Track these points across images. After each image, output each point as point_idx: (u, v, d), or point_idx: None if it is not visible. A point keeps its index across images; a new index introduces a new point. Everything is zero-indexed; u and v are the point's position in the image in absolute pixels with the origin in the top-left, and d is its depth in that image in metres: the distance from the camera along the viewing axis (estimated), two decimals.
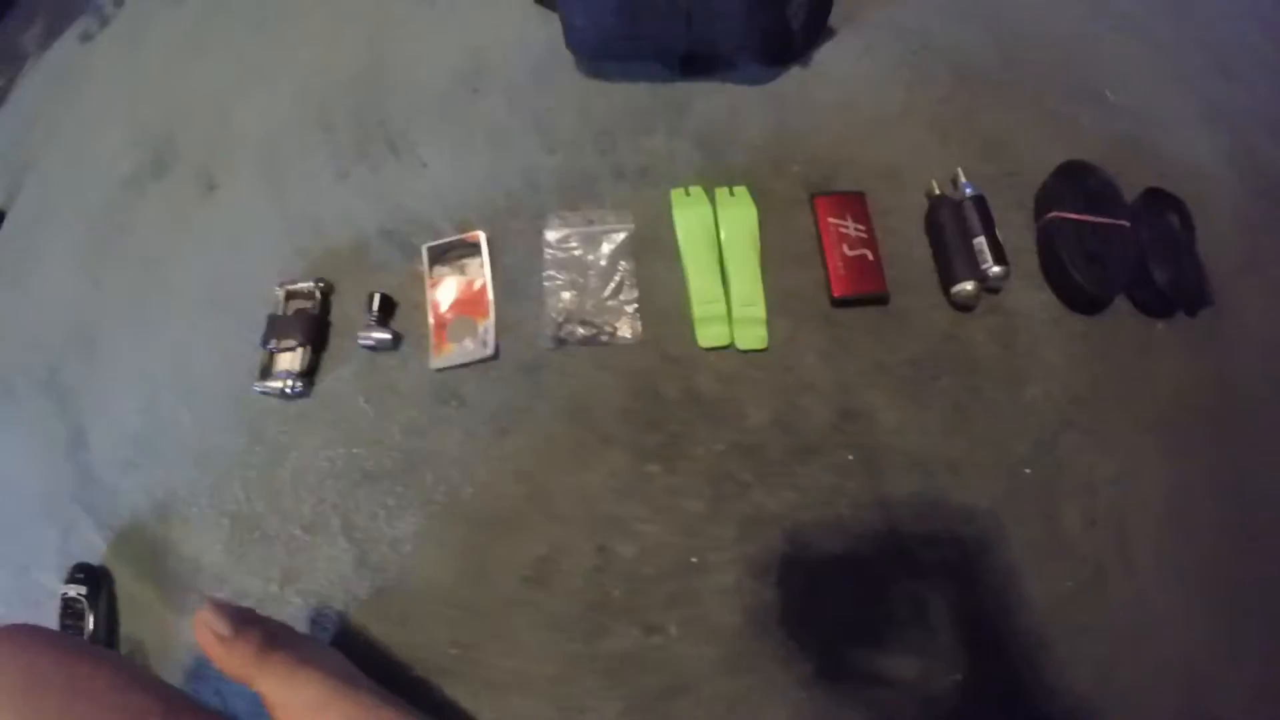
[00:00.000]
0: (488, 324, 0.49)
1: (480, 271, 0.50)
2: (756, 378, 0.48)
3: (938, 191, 0.51)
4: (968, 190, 0.50)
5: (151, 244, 0.59)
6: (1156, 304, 0.50)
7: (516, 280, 0.51)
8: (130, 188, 0.63)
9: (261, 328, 0.50)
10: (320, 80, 0.62)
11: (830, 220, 0.50)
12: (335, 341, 0.51)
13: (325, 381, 0.50)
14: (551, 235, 0.50)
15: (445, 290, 0.50)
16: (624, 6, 0.52)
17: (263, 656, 0.35)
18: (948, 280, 0.49)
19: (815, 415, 0.47)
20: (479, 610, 0.44)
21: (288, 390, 0.48)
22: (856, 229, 0.49)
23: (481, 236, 0.51)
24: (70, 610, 0.46)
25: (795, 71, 0.58)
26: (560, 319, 0.48)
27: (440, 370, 0.48)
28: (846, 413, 0.47)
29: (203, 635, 0.35)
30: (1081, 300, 0.49)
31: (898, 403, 0.47)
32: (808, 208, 0.52)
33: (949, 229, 0.49)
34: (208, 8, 0.72)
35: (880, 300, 0.49)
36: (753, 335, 0.47)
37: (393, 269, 0.52)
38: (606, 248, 0.50)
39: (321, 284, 0.51)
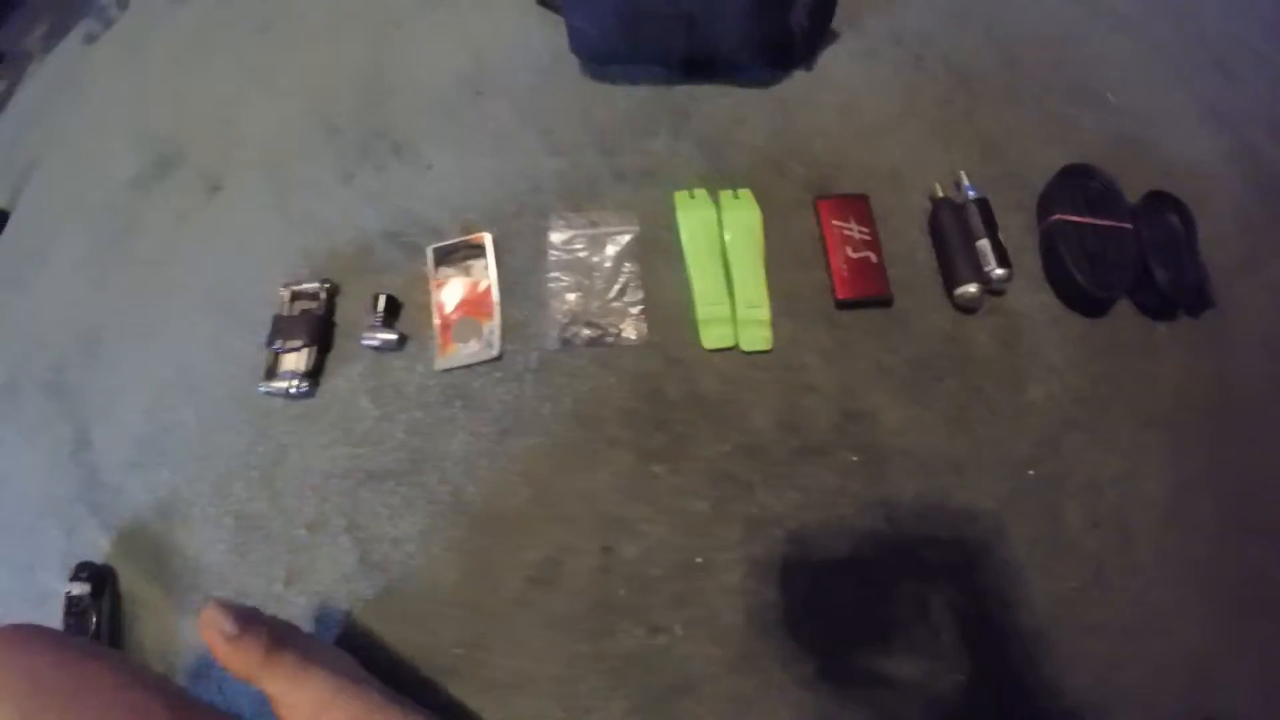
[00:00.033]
0: (493, 325, 0.49)
1: (485, 273, 0.50)
2: (760, 379, 0.48)
3: (940, 194, 0.52)
4: (970, 193, 0.51)
5: (156, 245, 0.59)
6: (1158, 306, 0.50)
7: (521, 282, 0.51)
8: (134, 189, 0.63)
9: (265, 329, 0.51)
10: (325, 82, 0.62)
11: (834, 223, 0.50)
12: (340, 342, 0.51)
13: (330, 382, 0.50)
14: (556, 237, 0.51)
15: (450, 291, 0.50)
16: (624, 10, 0.52)
17: (269, 655, 0.35)
18: (951, 282, 0.49)
19: (819, 416, 0.47)
20: (484, 610, 0.44)
21: (292, 390, 0.48)
22: (860, 231, 0.49)
23: (487, 238, 0.51)
24: (74, 608, 0.46)
25: (797, 75, 0.58)
26: (565, 320, 0.48)
27: (445, 371, 0.49)
28: (850, 414, 0.47)
29: (208, 634, 0.35)
30: (1084, 302, 0.50)
31: (901, 404, 0.47)
32: (809, 210, 0.52)
33: (952, 231, 0.50)
34: (212, 9, 0.72)
35: (884, 302, 0.49)
36: (757, 337, 0.48)
37: (397, 271, 0.53)
38: (611, 249, 0.50)
39: (327, 285, 0.51)
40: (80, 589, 0.46)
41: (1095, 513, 0.46)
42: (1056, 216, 0.50)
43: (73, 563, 0.48)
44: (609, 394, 0.47)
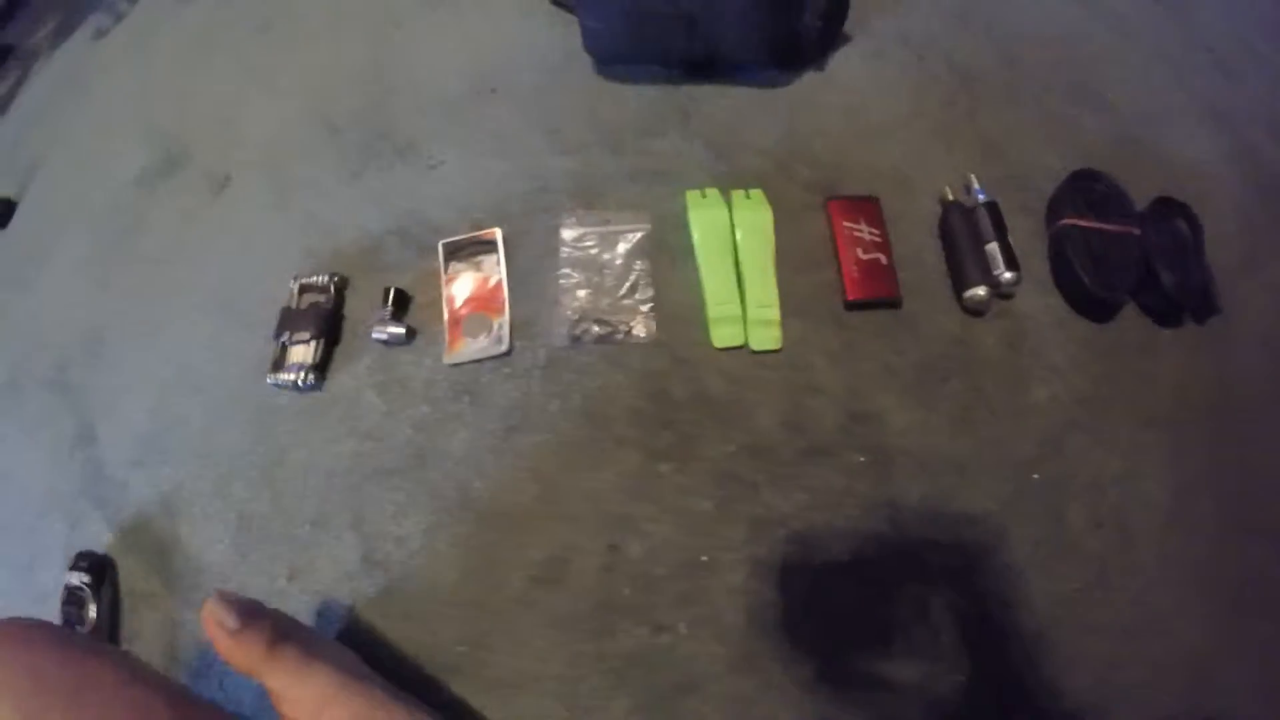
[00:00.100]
0: (502, 320, 0.49)
1: (495, 268, 0.50)
2: (767, 379, 0.48)
3: (950, 197, 0.52)
4: (980, 196, 0.51)
5: (160, 244, 0.59)
6: (1165, 311, 0.50)
7: (531, 278, 0.51)
8: (140, 186, 0.63)
9: (270, 328, 0.50)
10: (333, 82, 0.63)
11: (844, 224, 0.50)
12: (348, 336, 0.51)
13: (337, 376, 0.50)
14: (567, 234, 0.51)
15: (460, 286, 0.50)
16: (631, 12, 0.52)
17: (271, 650, 0.35)
18: (960, 285, 0.49)
19: (825, 417, 0.47)
20: (487, 608, 0.44)
21: (300, 383, 0.48)
22: (870, 233, 0.50)
23: (498, 233, 0.51)
24: (73, 598, 0.45)
25: (806, 76, 0.58)
26: (575, 317, 0.48)
27: (453, 366, 0.48)
28: (856, 415, 0.47)
29: (210, 627, 0.35)
30: (1092, 306, 0.50)
31: (907, 405, 0.47)
32: (818, 211, 0.52)
33: (961, 234, 0.50)
34: (219, 7, 0.72)
35: (893, 304, 0.49)
36: (766, 336, 0.48)
37: (406, 267, 0.53)
38: (622, 247, 0.50)
39: (336, 278, 0.51)
40: (79, 579, 0.46)
41: (1097, 513, 0.46)
42: (1065, 221, 0.50)
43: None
44: (617, 392, 0.47)
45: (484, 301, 0.50)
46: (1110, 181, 0.52)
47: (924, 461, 0.46)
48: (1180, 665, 0.44)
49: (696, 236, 0.50)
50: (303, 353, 0.49)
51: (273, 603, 0.38)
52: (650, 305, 0.49)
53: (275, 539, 0.47)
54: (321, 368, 0.49)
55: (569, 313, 0.48)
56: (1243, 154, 0.59)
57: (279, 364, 0.49)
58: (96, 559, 0.47)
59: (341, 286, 0.52)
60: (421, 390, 0.49)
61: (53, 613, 0.46)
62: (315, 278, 0.51)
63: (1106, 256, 0.49)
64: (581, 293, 0.49)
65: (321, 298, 0.51)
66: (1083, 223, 0.50)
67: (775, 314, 0.48)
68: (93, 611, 0.45)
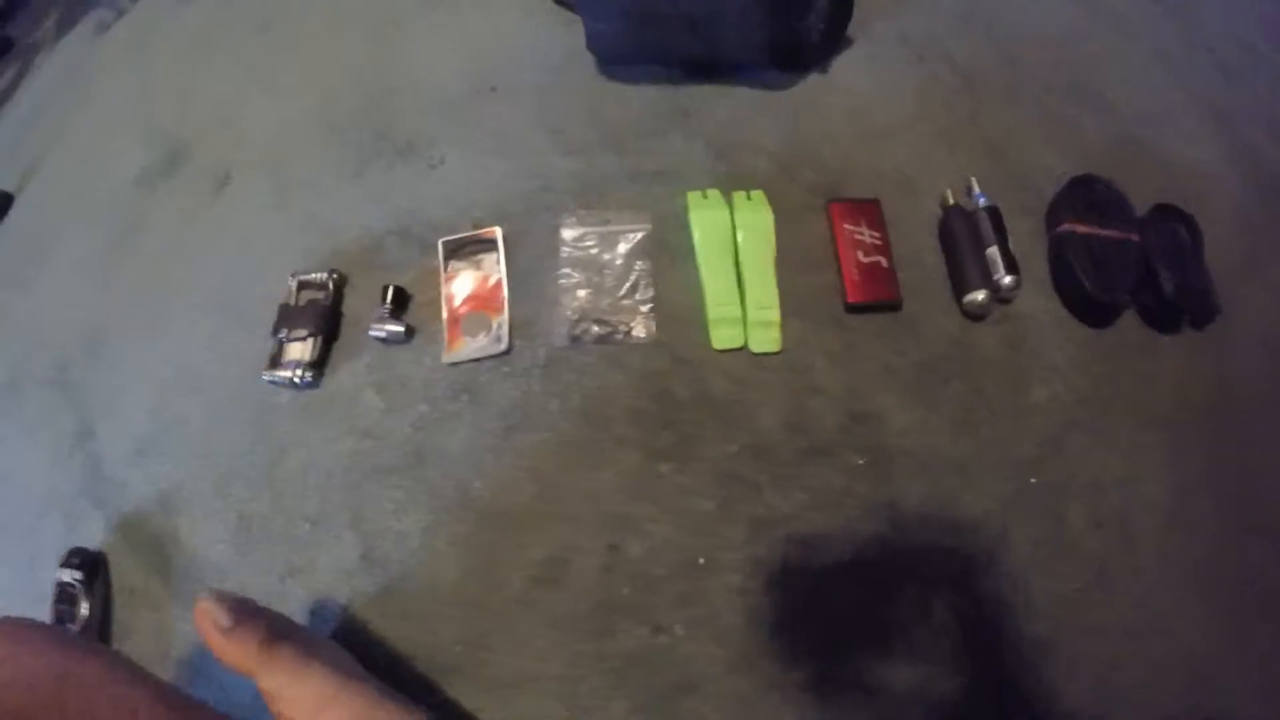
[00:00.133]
0: (502, 319, 0.49)
1: (495, 267, 0.50)
2: (768, 380, 0.48)
3: (952, 201, 0.52)
4: (980, 200, 0.51)
5: (162, 242, 0.59)
6: (1165, 317, 0.50)
7: (531, 278, 0.51)
8: (141, 185, 0.62)
9: (271, 326, 0.50)
10: (336, 79, 0.63)
11: (845, 226, 0.50)
12: (347, 334, 0.51)
13: (336, 374, 0.50)
14: (568, 234, 0.51)
15: (460, 285, 0.50)
16: (632, 12, 0.52)
17: (265, 649, 0.34)
18: (960, 289, 0.49)
19: (826, 418, 0.47)
20: (487, 607, 0.43)
21: (297, 380, 0.48)
22: (871, 236, 0.50)
23: (498, 232, 0.51)
24: (64, 595, 0.45)
25: (809, 79, 0.58)
26: (575, 317, 0.48)
27: (453, 364, 0.48)
28: (856, 415, 0.47)
29: (203, 626, 0.34)
30: (1091, 312, 0.50)
31: (907, 406, 0.47)
32: (819, 213, 0.52)
33: (962, 238, 0.50)
34: (220, 6, 0.72)
35: (893, 307, 0.49)
36: (766, 338, 0.48)
37: (406, 266, 0.52)
38: (623, 247, 0.50)
39: (334, 275, 0.51)
40: (71, 575, 0.45)
41: (1098, 514, 0.46)
42: (1065, 226, 0.50)
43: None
44: (617, 392, 0.47)
45: (483, 300, 0.50)
46: (1110, 187, 0.52)
47: (924, 462, 0.46)
48: (1180, 665, 0.44)
49: (697, 237, 0.50)
50: (300, 350, 0.49)
51: (272, 601, 0.38)
52: (650, 306, 0.49)
53: (274, 538, 0.46)
54: (319, 365, 0.49)
55: (569, 312, 0.48)
56: (1243, 154, 0.59)
57: (276, 361, 0.49)
58: (89, 555, 0.47)
59: (340, 284, 0.52)
60: (421, 389, 0.48)
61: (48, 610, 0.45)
62: (313, 275, 0.51)
63: (1106, 262, 0.49)
64: (581, 293, 0.49)
65: (320, 295, 0.51)
66: (1082, 228, 0.50)
67: (775, 315, 0.48)
68: (85, 608, 0.45)
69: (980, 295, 0.48)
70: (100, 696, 0.31)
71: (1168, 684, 0.43)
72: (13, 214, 0.68)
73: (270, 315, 0.51)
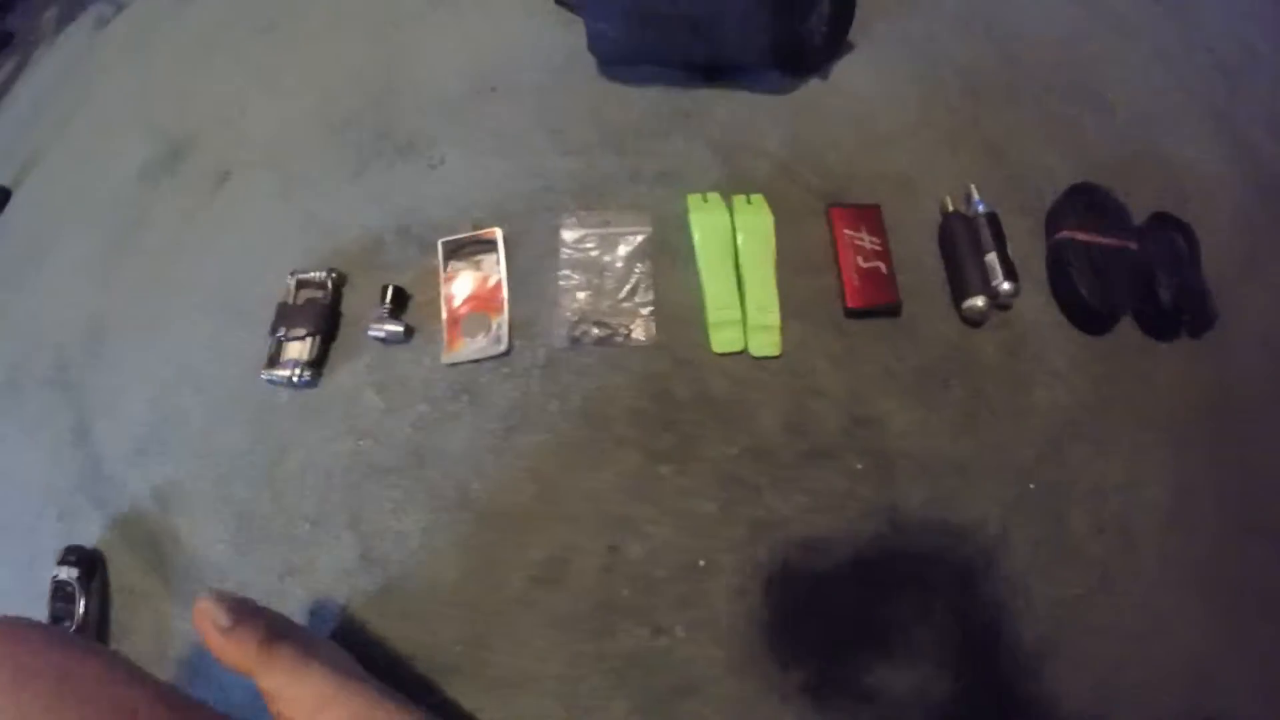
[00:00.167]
0: (501, 320, 0.49)
1: (495, 268, 0.50)
2: (768, 383, 0.48)
3: (951, 207, 0.52)
4: (980, 207, 0.51)
5: (162, 240, 0.59)
6: (1162, 325, 0.51)
7: (530, 279, 0.51)
8: (141, 182, 0.62)
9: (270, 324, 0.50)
10: (338, 77, 0.62)
11: (846, 232, 0.50)
12: (346, 333, 0.51)
13: (335, 374, 0.50)
14: (568, 235, 0.51)
15: (460, 285, 0.50)
16: (633, 13, 0.52)
17: (265, 649, 0.34)
18: (959, 295, 0.49)
19: (826, 421, 0.47)
20: (485, 608, 0.43)
21: (295, 379, 0.48)
22: (871, 241, 0.50)
23: (498, 233, 0.51)
24: (61, 593, 0.45)
25: (810, 81, 0.58)
26: (575, 318, 0.48)
27: (452, 365, 0.48)
28: (857, 419, 0.47)
29: (202, 625, 0.34)
30: (1089, 319, 0.50)
31: (907, 409, 0.48)
32: (819, 216, 0.52)
33: (962, 244, 0.50)
34: (222, 5, 0.72)
35: (893, 312, 0.49)
36: (766, 341, 0.48)
37: (405, 266, 0.52)
38: (623, 249, 0.50)
39: (333, 274, 0.51)
40: (68, 573, 0.45)
41: (1099, 517, 0.46)
42: (1063, 234, 0.51)
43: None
44: (617, 393, 0.47)
45: (483, 301, 0.50)
46: (1108, 194, 0.52)
47: (925, 465, 0.46)
48: (1181, 666, 0.44)
49: (697, 240, 0.50)
50: (298, 349, 0.49)
51: (271, 601, 0.38)
52: (650, 308, 0.49)
53: (274, 537, 0.46)
54: (318, 365, 0.49)
55: (568, 314, 0.48)
56: (1243, 154, 0.59)
57: (274, 360, 0.49)
58: (85, 554, 0.47)
59: (339, 283, 0.52)
60: (420, 389, 0.48)
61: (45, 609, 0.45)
62: (312, 274, 0.51)
63: (1104, 270, 0.49)
64: (581, 294, 0.49)
65: (319, 294, 0.51)
66: (1081, 236, 0.50)
67: (775, 319, 0.48)
68: (81, 607, 0.45)
69: (979, 301, 0.48)
70: (99, 696, 0.31)
71: (1168, 685, 0.44)
72: (11, 210, 0.68)
73: (271, 311, 0.51)
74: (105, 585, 0.47)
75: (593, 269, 0.50)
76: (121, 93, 0.70)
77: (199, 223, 0.59)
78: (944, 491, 0.46)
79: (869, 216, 0.51)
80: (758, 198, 0.52)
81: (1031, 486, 0.47)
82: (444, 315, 0.50)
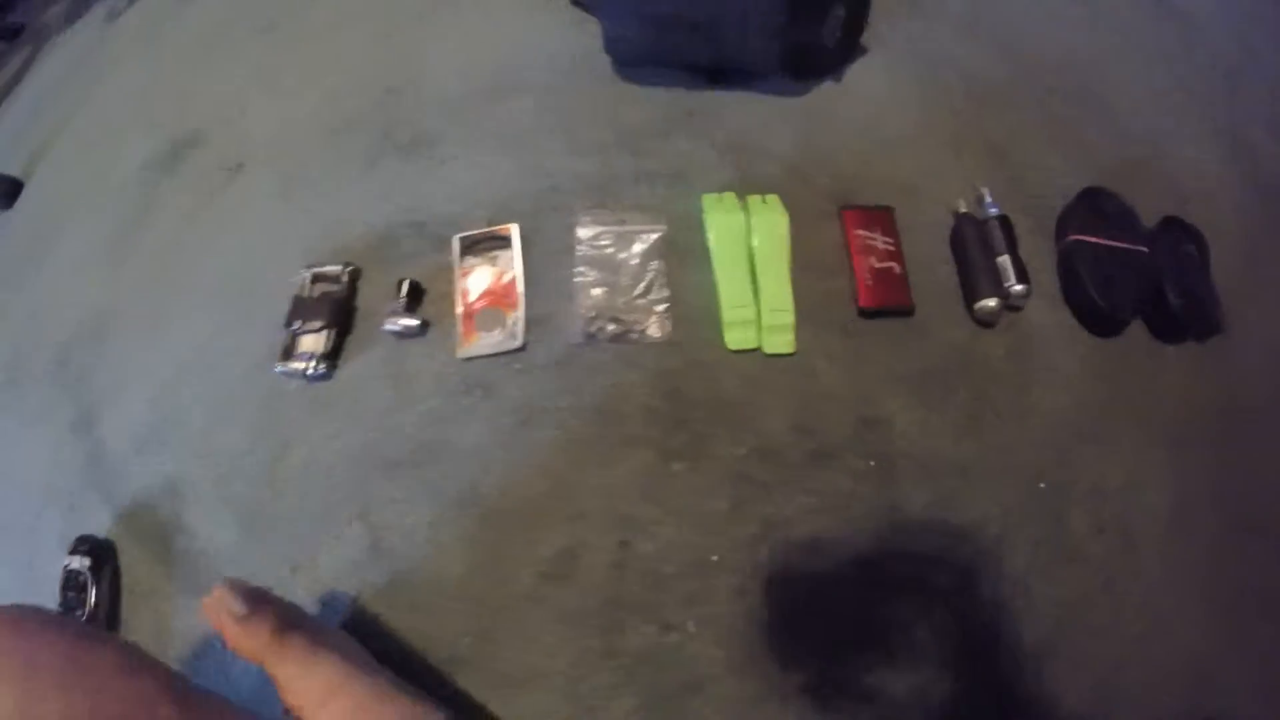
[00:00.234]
0: (517, 315, 0.49)
1: (510, 264, 0.50)
2: (780, 382, 0.48)
3: (963, 209, 0.52)
4: (992, 210, 0.52)
5: (169, 234, 0.59)
6: (1170, 329, 0.51)
7: (546, 275, 0.51)
8: (149, 177, 0.62)
9: (278, 320, 0.50)
10: (354, 72, 0.63)
11: (858, 233, 0.50)
12: (361, 327, 0.51)
13: (349, 366, 0.50)
14: (584, 233, 0.51)
15: (475, 280, 0.50)
16: (646, 17, 0.53)
17: (278, 638, 0.35)
18: (971, 296, 0.50)
19: (836, 421, 0.47)
20: (494, 602, 0.43)
21: (309, 372, 0.48)
22: (885, 242, 0.50)
23: (514, 229, 0.51)
24: (72, 582, 0.45)
25: (821, 85, 0.59)
26: (591, 315, 0.48)
27: (466, 360, 0.48)
28: (866, 420, 0.47)
29: (217, 615, 0.35)
30: (1099, 322, 0.50)
31: (915, 411, 0.48)
32: (831, 218, 0.52)
33: (973, 246, 0.50)
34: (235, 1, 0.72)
35: (905, 312, 0.50)
36: (780, 340, 0.48)
37: (420, 262, 0.52)
38: (638, 247, 0.50)
39: (349, 268, 0.51)
40: (79, 563, 0.45)
41: (1100, 519, 0.46)
42: (1074, 237, 0.51)
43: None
44: (631, 390, 0.47)
45: (498, 296, 0.50)
46: (1118, 200, 0.53)
47: (929, 467, 0.47)
48: (1181, 666, 0.44)
49: (713, 239, 0.50)
50: (313, 342, 0.49)
51: (279, 592, 0.38)
52: (665, 306, 0.49)
53: (282, 529, 0.46)
54: (332, 357, 0.49)
55: (584, 310, 0.49)
56: (1243, 154, 0.60)
57: (289, 352, 0.49)
58: (97, 543, 0.47)
59: (355, 277, 0.52)
60: (433, 383, 0.48)
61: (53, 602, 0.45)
62: (328, 267, 0.51)
63: (1114, 274, 0.50)
64: (597, 291, 0.49)
65: (334, 287, 0.51)
66: (1091, 239, 0.51)
67: (790, 318, 0.48)
68: (92, 596, 0.45)
69: (992, 302, 0.49)
70: (110, 685, 0.31)
71: (1168, 685, 0.44)
72: (18, 204, 0.68)
73: (278, 308, 0.51)
74: (116, 574, 0.47)
75: (608, 266, 0.50)
76: (131, 86, 0.70)
77: (202, 220, 0.59)
78: (947, 493, 0.46)
79: (882, 218, 0.51)
80: (772, 197, 0.52)
81: (1041, 486, 0.47)
82: (459, 310, 0.50)
